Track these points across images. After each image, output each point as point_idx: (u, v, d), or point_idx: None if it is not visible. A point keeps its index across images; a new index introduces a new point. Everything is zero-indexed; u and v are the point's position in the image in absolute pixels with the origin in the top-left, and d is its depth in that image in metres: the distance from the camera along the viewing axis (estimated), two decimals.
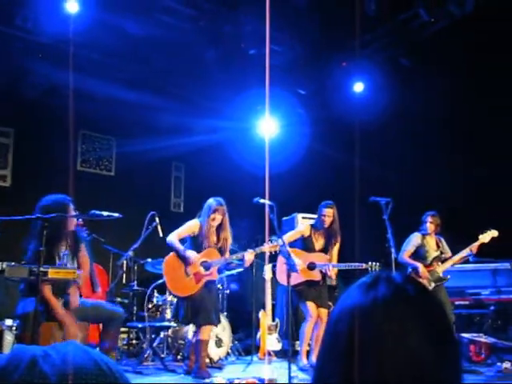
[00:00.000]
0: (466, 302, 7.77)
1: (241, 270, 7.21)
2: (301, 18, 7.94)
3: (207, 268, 5.62)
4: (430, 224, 6.79)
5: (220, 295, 7.02)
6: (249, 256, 5.67)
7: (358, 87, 9.49)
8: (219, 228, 5.77)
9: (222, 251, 5.78)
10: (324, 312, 6.28)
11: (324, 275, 6.38)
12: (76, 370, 0.78)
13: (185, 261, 5.66)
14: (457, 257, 6.67)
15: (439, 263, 6.71)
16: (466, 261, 6.90)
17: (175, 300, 7.09)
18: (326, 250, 6.44)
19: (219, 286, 7.01)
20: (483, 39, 7.30)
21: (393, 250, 5.83)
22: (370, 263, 6.19)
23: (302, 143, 9.83)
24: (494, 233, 6.57)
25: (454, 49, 7.71)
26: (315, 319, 6.22)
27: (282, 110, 9.63)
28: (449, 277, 6.75)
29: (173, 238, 5.72)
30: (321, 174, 9.85)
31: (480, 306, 7.73)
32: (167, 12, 7.56)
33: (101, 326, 4.92)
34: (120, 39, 7.71)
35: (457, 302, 7.79)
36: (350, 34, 7.76)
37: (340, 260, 6.54)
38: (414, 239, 6.81)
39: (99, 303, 4.96)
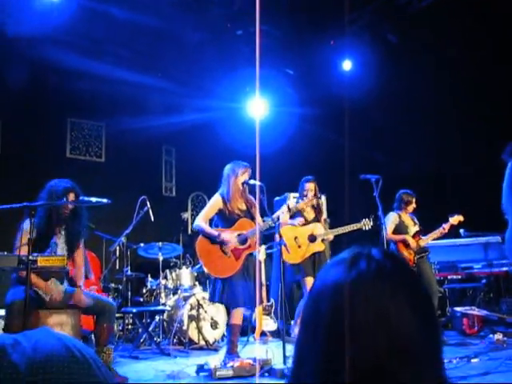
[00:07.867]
0: (459, 276, 7.84)
1: None
2: None
3: (244, 241, 5.21)
4: (404, 202, 6.83)
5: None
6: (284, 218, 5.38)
7: (347, 65, 9.45)
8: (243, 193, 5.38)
9: (253, 219, 5.30)
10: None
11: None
12: (47, 357, 0.77)
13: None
14: (437, 232, 6.73)
15: (421, 237, 6.75)
16: (457, 235, 6.94)
17: (169, 284, 7.12)
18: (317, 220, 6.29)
19: None
20: (468, 15, 7.28)
21: (384, 227, 5.85)
22: (362, 221, 6.10)
23: (292, 123, 9.80)
24: (459, 218, 6.68)
25: (439, 25, 7.68)
26: None
27: (271, 90, 9.58)
28: (429, 250, 6.81)
29: (200, 222, 5.27)
30: (311, 152, 9.84)
31: (472, 279, 7.81)
32: None
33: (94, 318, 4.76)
34: (105, 24, 7.63)
35: (449, 277, 7.87)
36: (338, 12, 7.69)
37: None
38: (392, 218, 6.80)
39: (92, 294, 4.89)
